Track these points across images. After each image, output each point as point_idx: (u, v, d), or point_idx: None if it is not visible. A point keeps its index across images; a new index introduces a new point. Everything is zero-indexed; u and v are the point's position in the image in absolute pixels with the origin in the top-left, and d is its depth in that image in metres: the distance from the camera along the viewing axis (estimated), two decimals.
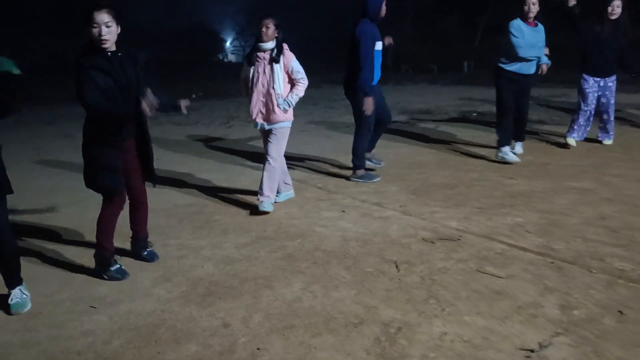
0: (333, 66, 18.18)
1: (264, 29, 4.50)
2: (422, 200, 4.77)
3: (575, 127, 6.22)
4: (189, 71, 21.42)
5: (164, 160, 7.04)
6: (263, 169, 4.67)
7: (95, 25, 3.23)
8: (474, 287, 3.12)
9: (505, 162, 5.74)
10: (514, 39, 5.57)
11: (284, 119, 4.60)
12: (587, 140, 6.57)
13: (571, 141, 6.23)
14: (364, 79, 5.14)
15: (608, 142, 6.32)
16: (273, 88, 4.53)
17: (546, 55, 5.76)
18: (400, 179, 5.52)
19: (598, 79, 6.03)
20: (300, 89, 4.63)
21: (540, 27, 5.72)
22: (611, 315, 2.72)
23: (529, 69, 5.74)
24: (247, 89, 4.69)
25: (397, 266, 3.47)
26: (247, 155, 6.99)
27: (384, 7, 5.22)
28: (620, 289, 2.96)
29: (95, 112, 3.29)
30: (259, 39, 4.54)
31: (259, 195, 4.71)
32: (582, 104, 6.11)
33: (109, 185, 3.53)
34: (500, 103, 5.84)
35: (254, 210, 4.70)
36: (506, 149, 5.78)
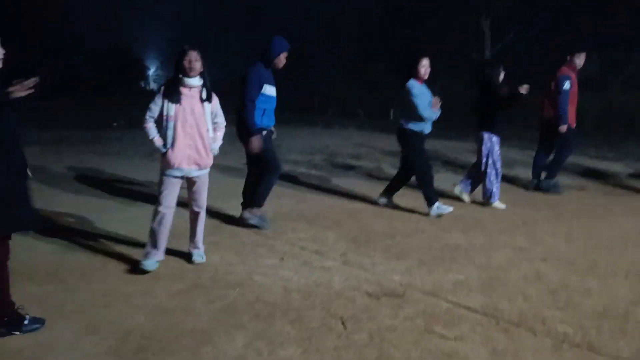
0: None
1: (193, 63, 4.02)
2: (363, 250, 4.70)
3: (496, 190, 6.32)
4: (109, 96, 20.60)
5: (85, 194, 6.58)
6: (195, 221, 4.38)
7: None
8: (425, 347, 3.04)
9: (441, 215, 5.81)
10: (418, 102, 5.66)
11: (210, 164, 4.27)
12: (514, 196, 6.86)
13: (499, 205, 6.32)
14: (246, 116, 5.04)
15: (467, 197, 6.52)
16: (207, 130, 4.18)
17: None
18: (338, 225, 5.45)
19: (498, 138, 6.35)
20: (220, 135, 4.30)
21: (424, 84, 5.88)
22: None
23: (430, 127, 5.89)
24: (157, 129, 4.13)
25: (343, 322, 3.34)
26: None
27: (282, 57, 5.13)
28: (566, 354, 2.99)
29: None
30: (184, 73, 4.05)
31: (191, 248, 4.40)
32: (498, 164, 6.29)
33: (34, 220, 3.17)
34: (421, 164, 5.88)
35: (189, 258, 4.42)
36: (439, 202, 5.86)
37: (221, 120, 4.31)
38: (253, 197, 5.38)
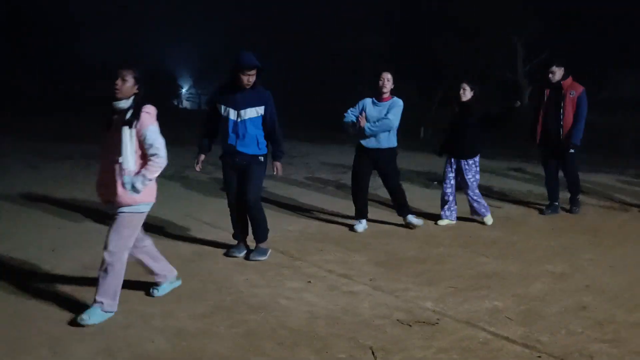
0: (295, 121, 18.15)
1: (118, 82, 3.48)
2: (393, 275, 4.49)
3: (445, 207, 6.19)
4: None
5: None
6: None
7: None
8: None
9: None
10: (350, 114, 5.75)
11: (131, 202, 3.49)
12: (553, 219, 6.55)
13: (442, 222, 6.15)
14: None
15: (488, 220, 6.21)
16: (118, 161, 3.45)
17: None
18: (367, 248, 5.25)
19: (452, 160, 6.11)
20: (152, 169, 3.50)
21: (395, 101, 5.70)
22: None
23: (371, 142, 5.73)
24: None
25: (373, 353, 3.14)
26: (204, 208, 6.58)
27: (240, 75, 4.56)
28: None
29: None
30: (113, 95, 3.53)
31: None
32: (443, 184, 6.19)
33: None
34: (352, 174, 5.93)
35: (211, 279, 4.30)
36: (358, 222, 5.85)
37: (152, 152, 3.50)
38: None
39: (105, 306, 3.49)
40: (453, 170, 6.14)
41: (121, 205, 3.50)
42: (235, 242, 5.01)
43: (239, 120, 4.68)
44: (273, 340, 3.29)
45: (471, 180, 6.10)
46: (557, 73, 6.56)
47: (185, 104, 38.98)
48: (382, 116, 5.67)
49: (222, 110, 4.72)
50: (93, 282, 4.12)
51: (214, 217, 6.14)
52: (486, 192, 8.30)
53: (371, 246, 5.32)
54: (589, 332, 3.45)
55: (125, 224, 3.53)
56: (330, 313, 3.70)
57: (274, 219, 6.29)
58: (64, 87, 23.51)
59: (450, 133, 6.17)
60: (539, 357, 3.11)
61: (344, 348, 3.19)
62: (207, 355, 3.11)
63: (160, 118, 3.79)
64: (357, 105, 5.83)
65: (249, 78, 4.60)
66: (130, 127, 3.46)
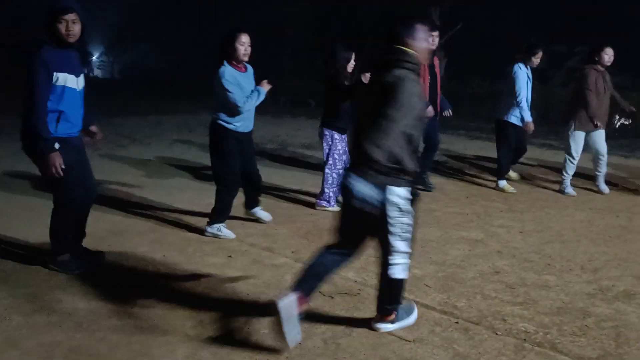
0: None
1: None
2: (315, 246, 4.42)
3: (333, 194, 5.55)
4: None
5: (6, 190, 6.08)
6: None
7: None
8: (383, 353, 2.85)
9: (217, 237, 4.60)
10: (231, 96, 4.39)
11: None
12: (466, 187, 6.79)
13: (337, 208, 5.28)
14: (28, 127, 3.46)
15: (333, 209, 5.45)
16: None
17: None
18: (290, 220, 5.20)
19: (344, 136, 5.47)
20: None
21: (250, 69, 4.67)
22: None
23: (249, 125, 4.73)
24: None
25: None
26: (121, 184, 6.26)
27: (57, 25, 3.44)
28: (529, 355, 2.86)
29: None
30: None
31: None
32: (339, 164, 5.49)
33: None
34: (223, 171, 4.60)
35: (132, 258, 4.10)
36: (223, 225, 4.64)
37: None
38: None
39: None
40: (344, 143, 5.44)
41: None
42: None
43: (79, 89, 3.65)
44: (193, 319, 3.18)
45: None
46: (436, 40, 6.09)
47: (97, 72, 37.04)
48: (251, 86, 4.61)
49: (66, 81, 3.52)
50: None
51: (129, 192, 5.86)
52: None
53: (294, 218, 5.27)
54: (502, 295, 3.61)
55: None
56: (253, 288, 3.63)
57: (197, 192, 6.09)
58: None
59: (344, 107, 5.37)
60: (457, 322, 3.21)
61: (267, 323, 3.13)
62: (122, 340, 2.96)
63: None
64: (230, 87, 4.43)
65: (68, 25, 3.46)
66: None
